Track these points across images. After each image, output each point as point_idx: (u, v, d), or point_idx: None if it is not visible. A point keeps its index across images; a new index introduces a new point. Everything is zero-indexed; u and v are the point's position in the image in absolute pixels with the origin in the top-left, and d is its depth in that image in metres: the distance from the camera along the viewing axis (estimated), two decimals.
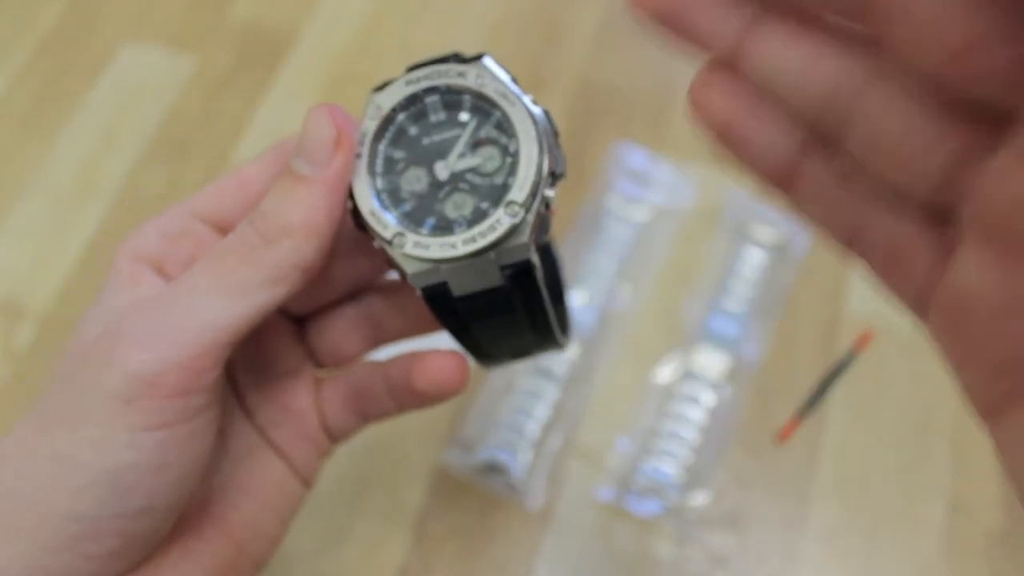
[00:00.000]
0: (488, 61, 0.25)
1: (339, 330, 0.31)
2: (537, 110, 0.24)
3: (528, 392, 0.47)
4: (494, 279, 0.24)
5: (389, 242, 0.24)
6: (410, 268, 0.24)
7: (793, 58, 0.19)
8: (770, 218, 0.51)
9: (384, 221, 0.24)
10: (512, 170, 0.24)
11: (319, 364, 0.31)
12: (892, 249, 0.19)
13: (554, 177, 0.24)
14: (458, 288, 0.24)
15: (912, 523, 0.44)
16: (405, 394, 0.30)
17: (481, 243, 0.23)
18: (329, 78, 0.59)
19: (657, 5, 0.22)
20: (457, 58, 0.25)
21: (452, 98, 0.25)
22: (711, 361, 0.48)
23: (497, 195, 0.24)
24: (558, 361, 0.48)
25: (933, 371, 0.48)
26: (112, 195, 0.55)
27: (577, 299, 0.50)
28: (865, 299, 0.50)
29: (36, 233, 0.54)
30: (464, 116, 0.25)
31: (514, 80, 0.25)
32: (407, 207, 0.25)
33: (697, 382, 0.47)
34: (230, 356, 0.24)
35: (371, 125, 0.25)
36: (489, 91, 0.24)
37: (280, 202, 0.24)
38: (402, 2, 0.62)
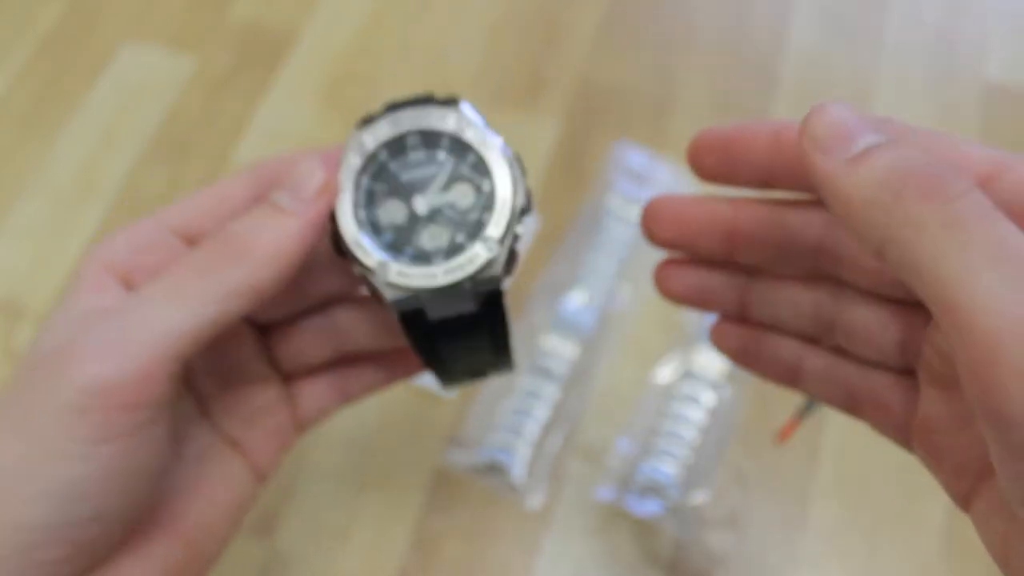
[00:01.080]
0: (465, 107, 0.27)
1: (305, 340, 0.31)
2: (509, 152, 0.27)
3: (528, 392, 0.47)
4: (468, 305, 0.26)
5: (372, 270, 0.26)
6: (390, 295, 0.26)
7: (785, 300, 0.28)
8: None
9: (368, 250, 0.26)
10: (487, 206, 0.26)
11: (282, 372, 0.31)
12: (877, 403, 0.27)
13: (523, 213, 0.26)
14: (434, 312, 0.26)
15: (912, 523, 0.44)
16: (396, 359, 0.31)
17: (460, 275, 0.26)
18: (329, 78, 0.59)
19: (679, 291, 0.30)
20: (433, 100, 0.27)
21: (431, 138, 0.27)
22: (711, 361, 0.48)
23: (472, 229, 0.26)
24: (558, 361, 0.48)
25: None
26: (112, 195, 0.55)
27: (577, 299, 0.50)
28: None
29: (36, 233, 0.54)
30: (441, 155, 0.27)
31: (486, 124, 0.27)
32: (388, 237, 0.26)
33: (697, 382, 0.47)
34: (188, 364, 0.25)
35: (355, 161, 0.26)
36: (468, 136, 0.27)
37: (250, 225, 0.24)
38: (402, 2, 0.62)
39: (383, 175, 0.27)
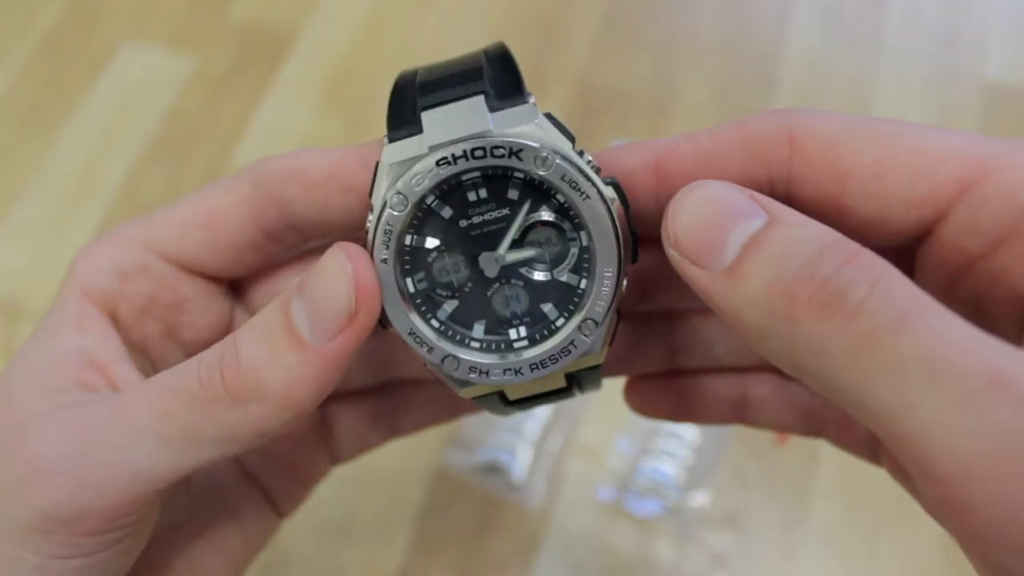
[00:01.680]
0: (542, 123, 0.20)
1: (356, 426, 0.28)
2: (609, 192, 0.20)
3: None
4: (557, 383, 0.22)
5: (437, 366, 0.20)
6: (462, 392, 0.21)
7: (716, 335, 0.26)
8: None
9: (429, 342, 0.20)
10: (579, 268, 0.20)
11: (331, 455, 0.29)
12: (840, 422, 0.25)
13: (630, 262, 0.21)
14: (514, 394, 0.22)
15: (912, 523, 0.44)
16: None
17: (552, 368, 0.20)
18: (329, 78, 0.59)
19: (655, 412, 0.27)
20: (482, 76, 0.20)
21: (499, 172, 0.20)
22: None
23: (562, 296, 0.20)
24: None
25: None
26: (112, 195, 0.55)
27: None
28: None
29: (36, 233, 0.54)
30: (513, 194, 0.20)
31: (574, 141, 0.20)
32: (448, 308, 0.21)
33: None
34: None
35: (395, 220, 0.20)
36: (553, 177, 0.19)
37: (262, 354, 0.19)
38: (402, 2, 0.62)
39: (433, 225, 0.20)
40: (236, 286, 0.27)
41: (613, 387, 0.48)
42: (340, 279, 0.19)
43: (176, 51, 0.60)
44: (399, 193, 0.20)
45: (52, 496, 0.19)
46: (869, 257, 0.16)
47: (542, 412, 0.46)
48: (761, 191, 0.20)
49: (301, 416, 0.20)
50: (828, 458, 0.46)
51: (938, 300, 0.19)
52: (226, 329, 0.26)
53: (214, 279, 0.25)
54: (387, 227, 0.20)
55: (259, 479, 0.27)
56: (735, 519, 0.44)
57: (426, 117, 0.20)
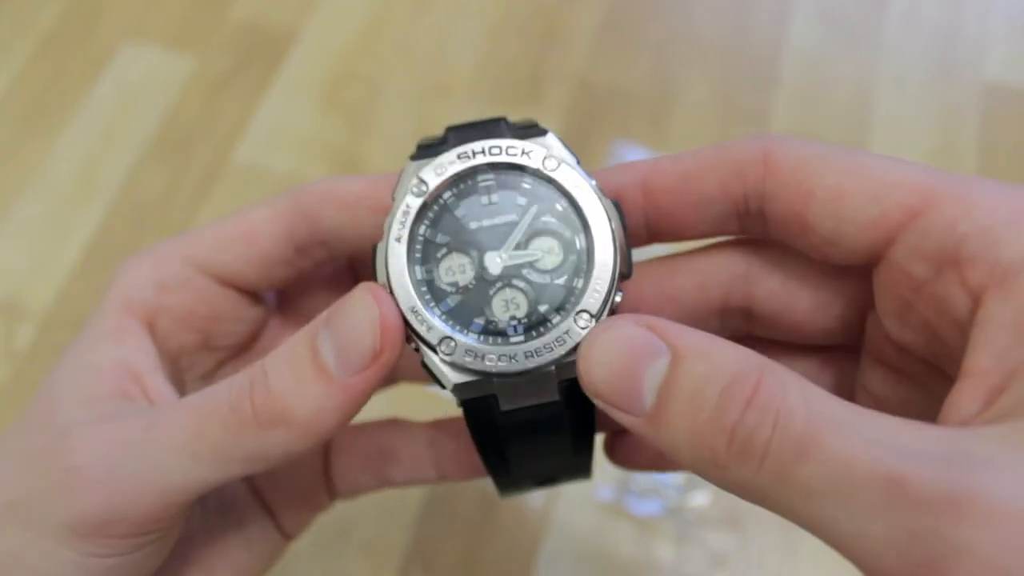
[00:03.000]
0: (552, 139, 0.22)
1: (350, 467, 0.30)
2: (609, 205, 0.22)
3: None
4: (550, 394, 0.21)
5: (433, 347, 0.21)
6: (454, 377, 0.21)
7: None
8: None
9: (429, 322, 0.21)
10: (578, 270, 0.21)
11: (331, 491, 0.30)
12: None
13: (623, 278, 0.22)
14: (507, 403, 0.21)
15: None
16: (451, 463, 0.29)
17: (547, 357, 0.21)
18: (329, 78, 0.59)
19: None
20: (506, 123, 0.23)
21: (509, 177, 0.22)
22: None
23: (559, 299, 0.21)
24: None
25: None
26: (112, 195, 0.55)
27: None
28: None
29: (36, 233, 0.54)
30: (521, 200, 0.22)
31: (579, 161, 0.22)
32: (450, 303, 0.21)
33: None
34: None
35: (412, 203, 0.21)
36: (559, 179, 0.21)
37: (290, 384, 0.21)
38: (402, 2, 0.62)
39: (446, 222, 0.22)
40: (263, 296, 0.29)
41: None
42: (367, 319, 0.21)
43: (176, 51, 0.60)
44: (420, 180, 0.22)
45: (89, 501, 0.21)
46: (768, 390, 0.18)
47: None
48: (737, 207, 0.23)
49: (325, 440, 0.22)
50: None
51: (894, 324, 0.22)
52: (255, 339, 0.29)
53: (247, 292, 0.27)
54: (405, 209, 0.21)
55: (268, 500, 0.29)
56: (735, 519, 0.44)
57: (452, 135, 0.22)
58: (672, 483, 0.45)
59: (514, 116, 0.24)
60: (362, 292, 0.21)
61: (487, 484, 0.45)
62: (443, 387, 0.22)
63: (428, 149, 0.22)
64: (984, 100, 0.56)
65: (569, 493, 0.45)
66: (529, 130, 0.23)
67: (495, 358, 0.21)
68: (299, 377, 0.21)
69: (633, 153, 0.54)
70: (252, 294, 0.28)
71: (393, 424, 0.30)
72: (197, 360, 0.28)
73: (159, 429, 0.22)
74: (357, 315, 0.21)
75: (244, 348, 0.29)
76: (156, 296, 0.26)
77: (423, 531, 0.44)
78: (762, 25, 0.60)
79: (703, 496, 0.45)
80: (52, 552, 0.22)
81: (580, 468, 0.26)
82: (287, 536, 0.29)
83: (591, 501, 0.45)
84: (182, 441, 0.21)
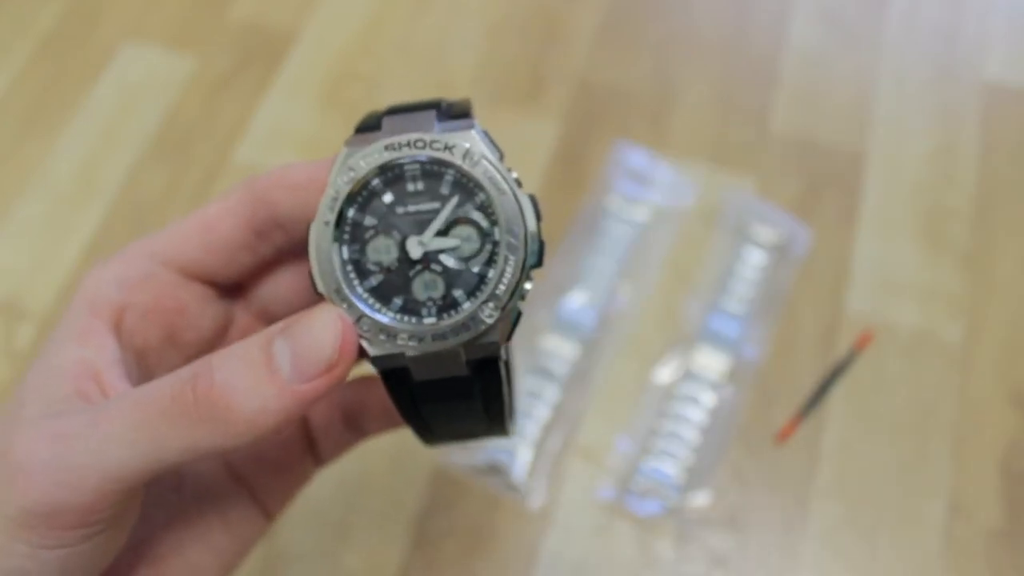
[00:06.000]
0: (478, 134, 0.23)
1: (331, 428, 0.31)
2: (525, 199, 0.23)
3: (528, 392, 0.47)
4: (458, 369, 0.23)
5: (353, 323, 0.23)
6: (371, 350, 0.23)
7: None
8: (770, 218, 0.51)
9: (349, 300, 0.23)
10: (491, 260, 0.23)
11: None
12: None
13: (533, 267, 0.23)
14: (419, 374, 0.23)
15: (912, 523, 0.44)
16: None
17: (452, 341, 0.23)
18: (329, 78, 0.59)
19: None
20: (440, 110, 0.24)
21: (434, 168, 0.23)
22: (711, 361, 0.48)
23: (472, 285, 0.23)
24: (558, 361, 0.48)
25: (933, 371, 0.48)
26: (112, 195, 0.55)
27: (577, 299, 0.50)
28: (865, 299, 0.50)
29: (36, 233, 0.54)
30: (444, 190, 0.23)
31: (501, 157, 0.23)
32: (373, 281, 0.23)
33: (697, 382, 0.47)
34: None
35: (344, 188, 0.23)
36: (478, 174, 0.23)
37: (237, 379, 0.22)
38: (402, 2, 0.62)
39: (373, 206, 0.24)
40: (230, 291, 0.29)
41: (614, 387, 0.48)
42: (329, 332, 0.22)
43: (176, 51, 0.60)
44: (349, 168, 0.23)
45: (31, 495, 0.22)
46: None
47: (542, 412, 0.47)
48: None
49: (259, 439, 0.22)
50: (828, 458, 0.46)
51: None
52: (221, 338, 0.29)
53: (211, 284, 0.28)
54: (334, 194, 0.23)
55: (247, 480, 0.29)
56: (735, 519, 0.44)
57: (386, 121, 0.24)
58: (672, 483, 0.45)
59: (454, 96, 0.25)
60: (328, 309, 0.23)
61: (488, 484, 0.45)
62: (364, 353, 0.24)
63: (363, 134, 0.24)
64: (984, 100, 0.56)
65: (569, 493, 0.45)
66: (458, 121, 0.24)
67: (406, 338, 0.23)
68: (249, 376, 0.22)
69: (633, 153, 0.54)
70: (218, 288, 0.29)
71: (362, 380, 0.31)
72: (165, 357, 0.28)
73: (101, 421, 0.22)
74: (321, 327, 0.22)
75: (211, 346, 0.29)
76: (122, 294, 0.26)
77: (423, 531, 0.44)
78: (762, 25, 0.60)
79: (703, 496, 0.45)
80: (4, 545, 0.22)
81: (495, 429, 0.27)
82: (269, 515, 0.30)
83: (591, 501, 0.45)
84: (121, 431, 0.22)
